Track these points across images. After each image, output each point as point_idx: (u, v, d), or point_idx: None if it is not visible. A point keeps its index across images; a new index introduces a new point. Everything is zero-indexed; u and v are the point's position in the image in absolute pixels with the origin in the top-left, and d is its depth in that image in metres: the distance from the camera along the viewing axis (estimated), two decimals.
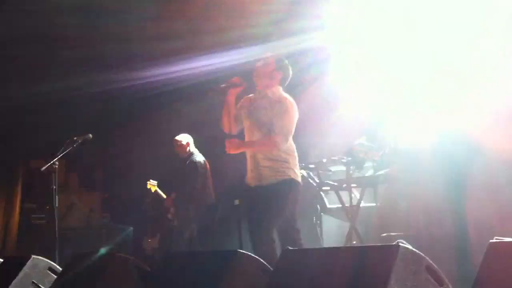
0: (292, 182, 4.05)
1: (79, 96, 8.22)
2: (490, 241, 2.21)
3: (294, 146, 4.18)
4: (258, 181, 4.08)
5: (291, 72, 4.24)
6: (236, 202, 4.02)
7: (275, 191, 3.99)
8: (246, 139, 4.22)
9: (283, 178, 4.03)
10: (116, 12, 6.54)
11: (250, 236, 4.05)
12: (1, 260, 4.58)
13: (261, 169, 4.07)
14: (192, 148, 6.45)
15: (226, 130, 4.21)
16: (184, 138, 6.44)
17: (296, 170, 4.12)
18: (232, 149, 4.08)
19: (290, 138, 4.14)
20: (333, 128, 7.66)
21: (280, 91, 4.19)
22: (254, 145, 4.13)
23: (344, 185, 6.20)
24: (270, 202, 4.00)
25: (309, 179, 6.11)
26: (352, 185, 6.21)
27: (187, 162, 6.33)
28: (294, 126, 4.12)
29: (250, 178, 4.16)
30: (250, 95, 4.30)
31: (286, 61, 4.24)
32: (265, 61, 4.19)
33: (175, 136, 6.57)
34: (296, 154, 4.18)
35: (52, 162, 5.98)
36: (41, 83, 8.14)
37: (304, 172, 6.01)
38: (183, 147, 6.40)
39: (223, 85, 4.12)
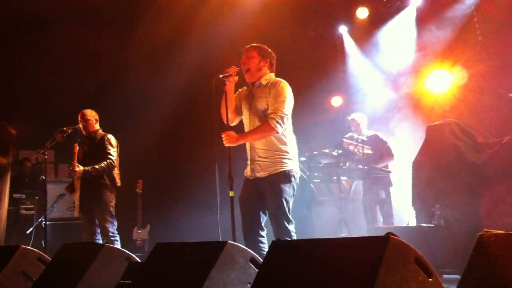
0: (291, 173, 4.01)
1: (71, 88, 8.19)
2: (479, 233, 2.22)
3: (294, 137, 4.14)
4: (256, 173, 4.04)
5: (274, 55, 4.23)
6: (231, 194, 3.96)
7: (274, 183, 3.96)
8: (247, 130, 4.17)
9: (282, 169, 3.99)
10: None
11: (244, 228, 4.02)
12: None
13: (259, 160, 4.03)
14: (98, 126, 5.96)
15: (225, 121, 4.14)
16: (94, 114, 5.94)
17: (295, 161, 4.09)
18: (230, 142, 4.01)
19: (290, 127, 4.10)
20: (325, 122, 7.68)
21: (272, 76, 4.18)
22: (252, 134, 4.05)
23: (335, 178, 6.23)
24: (268, 194, 3.98)
25: (300, 172, 6.14)
26: (342, 177, 6.25)
27: (99, 138, 5.86)
28: (291, 107, 4.06)
29: (249, 170, 4.11)
30: (244, 87, 4.28)
31: (265, 47, 4.21)
32: (248, 56, 4.15)
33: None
34: (296, 145, 4.15)
35: (41, 152, 5.95)
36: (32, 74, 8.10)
37: None
38: (91, 122, 5.87)
39: (221, 76, 4.06)
